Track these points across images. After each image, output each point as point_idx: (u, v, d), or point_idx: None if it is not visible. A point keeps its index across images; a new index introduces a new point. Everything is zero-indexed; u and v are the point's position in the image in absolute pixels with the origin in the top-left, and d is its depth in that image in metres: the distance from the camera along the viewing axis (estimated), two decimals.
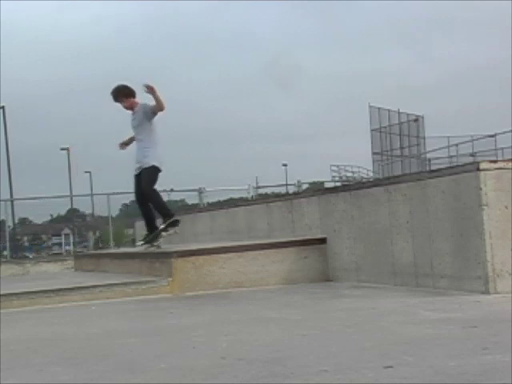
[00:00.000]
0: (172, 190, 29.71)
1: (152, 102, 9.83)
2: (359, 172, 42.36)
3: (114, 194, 25.21)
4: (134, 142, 10.22)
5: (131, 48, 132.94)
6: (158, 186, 10.13)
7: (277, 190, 30.15)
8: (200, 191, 25.26)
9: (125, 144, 10.44)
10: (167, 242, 14.71)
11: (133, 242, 22.92)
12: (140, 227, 17.67)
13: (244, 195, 27.50)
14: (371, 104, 39.49)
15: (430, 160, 36.83)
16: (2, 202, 24.27)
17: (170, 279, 8.52)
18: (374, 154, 39.91)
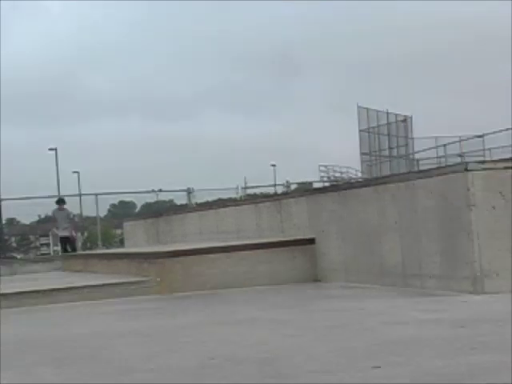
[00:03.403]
0: (160, 191, 29.72)
1: None
2: (347, 172, 42.42)
3: (102, 194, 25.16)
4: None
5: (129, 47, 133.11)
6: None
7: (265, 191, 30.18)
8: (189, 191, 25.26)
9: None
10: (156, 242, 14.72)
11: (121, 243, 22.90)
12: (128, 228, 17.66)
13: (233, 195, 27.52)
14: (359, 104, 39.57)
15: (418, 160, 36.93)
16: None
17: (158, 280, 8.51)
18: (362, 154, 39.94)
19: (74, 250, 19.31)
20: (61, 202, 20.39)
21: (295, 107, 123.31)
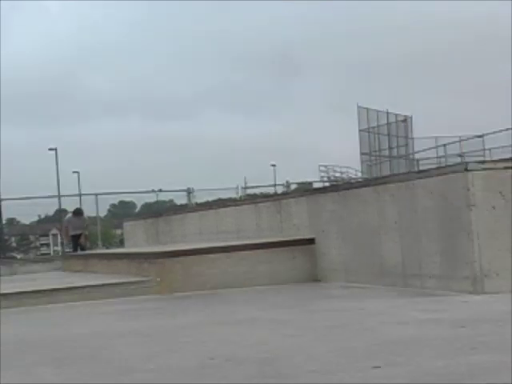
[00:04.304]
0: (160, 191, 29.72)
1: None
2: (347, 172, 42.42)
3: (102, 194, 25.16)
4: None
5: (129, 47, 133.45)
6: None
7: (265, 191, 30.17)
8: (189, 191, 25.26)
9: None
10: (156, 242, 14.72)
11: (121, 243, 22.88)
12: (128, 228, 17.65)
13: (233, 195, 27.52)
14: (359, 104, 39.55)
15: (418, 160, 36.91)
16: None
17: (158, 280, 8.51)
18: (362, 154, 39.92)
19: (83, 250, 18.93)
20: (78, 213, 19.90)
21: (295, 107, 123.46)
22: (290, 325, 5.55)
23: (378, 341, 4.51)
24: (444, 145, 36.58)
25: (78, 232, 19.28)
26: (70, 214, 20.35)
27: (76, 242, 19.30)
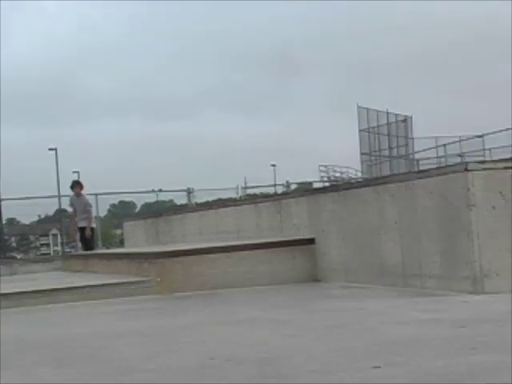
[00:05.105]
0: (160, 191, 29.72)
1: None
2: (347, 172, 42.44)
3: (102, 194, 25.14)
4: None
5: (129, 47, 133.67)
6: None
7: (265, 191, 30.17)
8: (189, 191, 25.27)
9: None
10: (156, 243, 14.72)
11: (121, 243, 22.83)
12: (128, 228, 17.64)
13: (233, 195, 27.53)
14: (359, 104, 39.57)
15: (418, 160, 36.94)
16: None
17: (158, 280, 8.51)
18: (362, 154, 39.95)
19: (91, 248, 16.61)
20: (76, 184, 17.02)
21: (295, 107, 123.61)
22: (290, 325, 5.55)
23: (378, 341, 4.51)
24: (444, 145, 36.63)
25: (83, 224, 16.72)
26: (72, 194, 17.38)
27: (81, 237, 16.96)
